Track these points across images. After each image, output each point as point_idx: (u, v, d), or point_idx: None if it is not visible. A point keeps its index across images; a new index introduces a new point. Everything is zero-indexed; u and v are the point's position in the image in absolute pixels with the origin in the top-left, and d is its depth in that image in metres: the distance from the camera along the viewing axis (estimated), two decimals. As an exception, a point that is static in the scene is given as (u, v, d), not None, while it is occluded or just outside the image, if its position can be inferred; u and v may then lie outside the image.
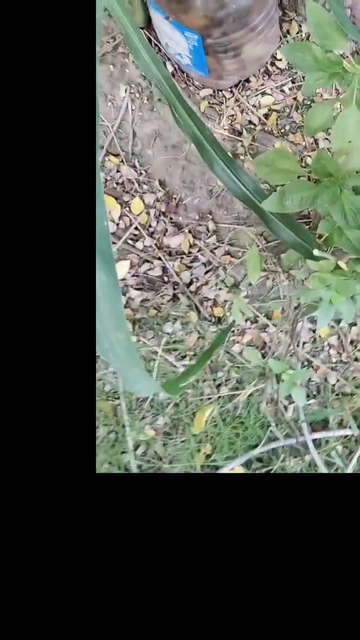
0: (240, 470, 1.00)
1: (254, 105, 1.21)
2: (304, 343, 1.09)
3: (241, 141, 1.18)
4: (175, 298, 1.09)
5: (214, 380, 1.06)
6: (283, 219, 0.98)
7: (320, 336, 1.09)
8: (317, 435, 1.04)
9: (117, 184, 1.14)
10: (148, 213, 1.12)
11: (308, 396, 1.07)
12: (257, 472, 1.02)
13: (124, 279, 1.09)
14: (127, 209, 1.12)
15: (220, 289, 1.09)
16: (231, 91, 1.21)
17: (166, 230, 1.11)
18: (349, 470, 1.02)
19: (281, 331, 1.05)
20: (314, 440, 1.04)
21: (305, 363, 1.08)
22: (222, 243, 1.12)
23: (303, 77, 1.23)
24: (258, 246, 1.13)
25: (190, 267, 1.10)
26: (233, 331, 1.08)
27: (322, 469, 1.02)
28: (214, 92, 1.21)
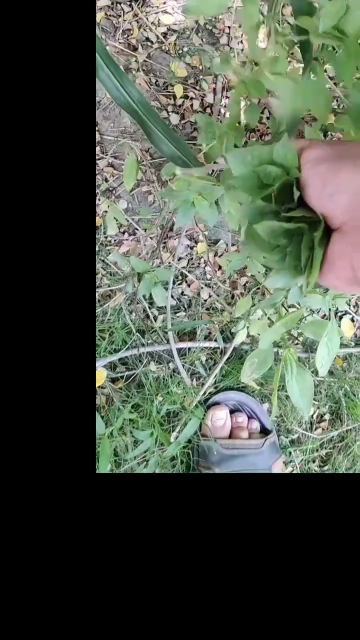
0: (102, 372, 1.03)
1: (152, 23, 1.21)
2: (179, 258, 1.11)
3: (135, 57, 1.18)
4: (53, 204, 1.09)
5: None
6: (165, 132, 1.00)
7: (197, 252, 1.12)
8: (182, 345, 1.08)
9: None
10: (33, 119, 1.11)
11: (179, 309, 1.11)
12: (120, 375, 1.06)
13: None
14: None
15: (99, 199, 1.10)
16: (130, 5, 1.20)
17: (50, 137, 1.11)
18: (211, 379, 1.07)
19: (151, 238, 1.07)
20: (179, 350, 1.08)
21: (180, 277, 1.11)
22: (106, 155, 1.12)
23: None
24: (142, 161, 1.14)
25: (71, 176, 1.11)
26: (110, 242, 1.10)
27: (184, 376, 1.06)
28: (112, 4, 1.19)
